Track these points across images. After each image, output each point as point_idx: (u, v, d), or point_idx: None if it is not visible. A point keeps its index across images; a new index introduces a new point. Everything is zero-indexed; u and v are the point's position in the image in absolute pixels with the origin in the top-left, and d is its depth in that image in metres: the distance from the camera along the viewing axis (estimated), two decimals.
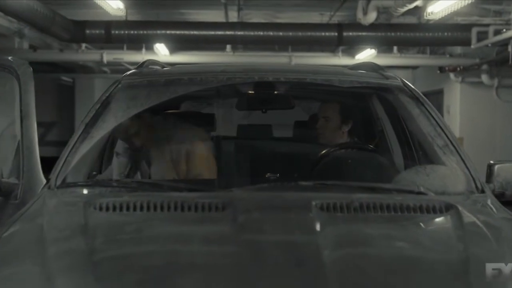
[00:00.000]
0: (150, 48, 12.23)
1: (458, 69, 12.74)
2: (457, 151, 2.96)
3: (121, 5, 10.06)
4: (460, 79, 13.03)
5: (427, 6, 9.25)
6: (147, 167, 3.60)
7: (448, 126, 3.16)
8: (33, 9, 8.72)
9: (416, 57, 13.15)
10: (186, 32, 10.81)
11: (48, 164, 3.14)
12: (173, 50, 12.59)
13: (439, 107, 13.15)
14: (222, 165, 3.58)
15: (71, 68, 16.15)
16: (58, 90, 17.44)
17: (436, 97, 13.77)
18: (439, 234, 2.37)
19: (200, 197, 2.50)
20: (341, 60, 12.58)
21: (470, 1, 8.60)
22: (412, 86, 3.38)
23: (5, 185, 3.06)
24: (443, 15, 9.51)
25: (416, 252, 2.20)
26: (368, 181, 2.87)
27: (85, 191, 2.71)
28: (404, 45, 12.19)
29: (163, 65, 3.75)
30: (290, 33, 10.74)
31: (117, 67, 15.18)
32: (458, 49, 12.57)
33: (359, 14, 9.75)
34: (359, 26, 10.46)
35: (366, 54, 12.46)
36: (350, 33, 10.65)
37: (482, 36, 10.14)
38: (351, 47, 12.51)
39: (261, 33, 10.71)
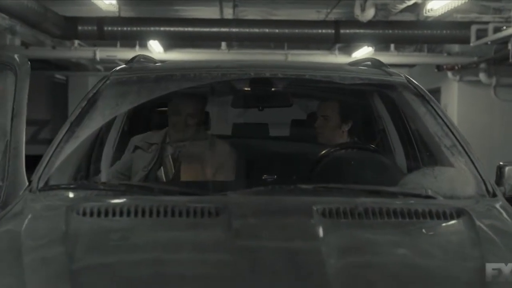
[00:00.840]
0: (143, 45, 12.07)
1: (456, 67, 12.58)
2: (465, 152, 2.80)
3: (113, 1, 9.90)
4: (457, 77, 12.87)
5: (426, 2, 9.10)
6: (174, 164, 3.40)
7: (456, 126, 3.00)
8: (24, 4, 8.54)
9: (414, 55, 13.01)
10: (180, 29, 10.64)
11: None
12: (167, 47, 12.42)
13: None
14: None
15: (64, 65, 15.97)
16: (51, 88, 17.24)
17: (433, 96, 13.53)
18: (452, 242, 2.20)
19: (192, 202, 2.32)
20: (337, 58, 12.42)
21: None
22: (417, 83, 3.21)
23: None
24: (443, 12, 9.36)
25: (427, 263, 2.03)
26: (372, 183, 2.70)
27: (68, 194, 2.54)
28: (402, 43, 12.06)
29: (154, 60, 3.59)
30: (286, 30, 10.58)
31: (111, 65, 14.92)
32: (455, 48, 12.43)
33: (357, 11, 9.60)
34: (356, 23, 10.30)
35: (363, 52, 12.31)
36: (348, 31, 10.49)
37: (481, 34, 9.99)
38: (348, 44, 12.37)
39: (256, 30, 10.55)
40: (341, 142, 3.60)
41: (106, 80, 3.08)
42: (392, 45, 12.34)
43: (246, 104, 4.08)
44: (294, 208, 2.32)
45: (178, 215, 2.19)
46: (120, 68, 3.29)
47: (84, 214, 2.22)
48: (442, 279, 1.92)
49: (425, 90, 3.18)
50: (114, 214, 2.20)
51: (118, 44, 12.35)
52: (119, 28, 10.56)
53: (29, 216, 2.29)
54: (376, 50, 12.39)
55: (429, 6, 9.15)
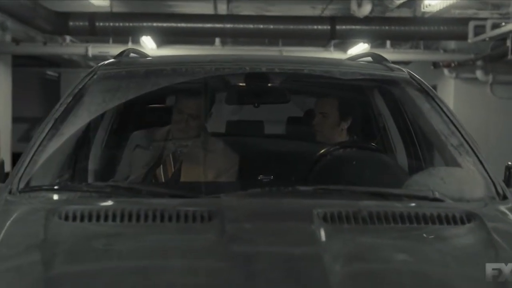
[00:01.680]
0: (136, 42, 11.92)
1: (453, 64, 12.48)
2: (473, 151, 2.64)
3: None
4: (454, 75, 12.78)
5: None
6: (174, 164, 3.25)
7: (462, 124, 2.84)
8: None
9: (410, 52, 12.87)
10: (174, 24, 10.49)
11: None
12: (160, 43, 12.29)
13: None
14: None
15: (56, 62, 15.83)
16: (43, 84, 17.11)
17: None
18: (464, 250, 2.03)
19: (182, 205, 2.16)
20: (333, 54, 12.28)
21: None
22: (421, 79, 3.06)
23: None
24: (440, 8, 9.23)
25: (439, 272, 1.87)
26: (375, 185, 2.53)
27: (50, 196, 2.36)
28: (400, 39, 11.92)
29: (145, 54, 3.42)
30: (281, 26, 10.44)
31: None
32: (452, 44, 12.31)
33: (353, 6, 9.46)
34: (352, 19, 10.16)
35: (359, 49, 12.15)
36: (343, 27, 10.34)
37: (479, 30, 9.86)
38: (344, 41, 12.24)
39: (251, 26, 10.41)
40: (340, 140, 3.45)
41: (93, 75, 2.92)
42: (388, 42, 12.22)
43: (241, 100, 3.91)
44: (293, 212, 2.15)
45: (167, 219, 2.03)
46: (108, 62, 3.13)
47: (65, 218, 2.05)
48: None
49: (429, 86, 3.02)
50: (98, 219, 2.03)
51: (111, 40, 12.21)
52: (111, 24, 10.39)
53: (6, 220, 2.12)
54: (372, 47, 12.25)
55: (426, 1, 9.01)
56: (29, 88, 15.00)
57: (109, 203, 2.23)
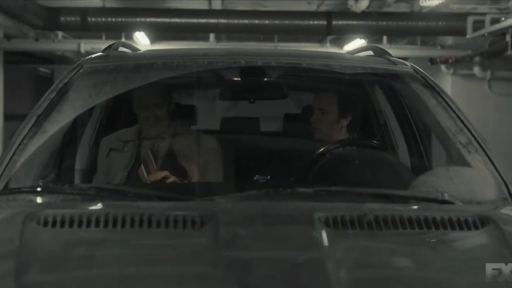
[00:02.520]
0: (129, 37, 11.76)
1: (450, 60, 12.34)
2: (483, 149, 2.47)
3: None
4: (451, 71, 12.64)
5: None
6: (155, 161, 3.09)
7: (471, 120, 2.68)
8: None
9: (406, 48, 12.74)
10: (167, 20, 10.37)
11: None
12: (154, 39, 12.14)
13: None
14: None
15: (49, 58, 15.66)
16: (36, 81, 16.93)
17: None
18: (480, 257, 1.86)
19: (172, 208, 1.99)
20: (329, 50, 12.13)
21: None
22: (425, 73, 2.90)
23: None
24: (438, 3, 9.10)
25: (454, 283, 1.71)
26: (379, 186, 2.36)
27: (30, 199, 2.18)
28: (397, 35, 11.81)
29: (135, 48, 3.27)
30: (276, 22, 10.32)
31: None
32: (449, 40, 12.19)
33: (350, 1, 9.35)
34: (349, 15, 10.05)
35: (356, 45, 12.03)
36: (340, 22, 10.21)
37: (478, 25, 9.73)
38: (340, 37, 12.13)
39: (246, 21, 10.30)
40: (339, 138, 3.30)
41: (79, 69, 2.76)
42: (385, 38, 12.10)
43: (236, 96, 3.75)
44: (292, 217, 1.98)
45: (155, 225, 1.86)
46: (96, 56, 2.97)
47: (44, 223, 1.88)
48: None
49: (434, 81, 2.87)
50: (79, 224, 1.86)
51: (104, 36, 12.08)
52: (104, 19, 10.27)
53: None
54: (368, 42, 12.09)
55: None
56: (21, 85, 14.84)
57: (93, 206, 2.07)
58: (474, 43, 11.45)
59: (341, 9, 10.79)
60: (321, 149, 2.93)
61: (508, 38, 9.35)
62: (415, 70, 2.88)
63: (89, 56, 2.96)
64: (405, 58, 13.88)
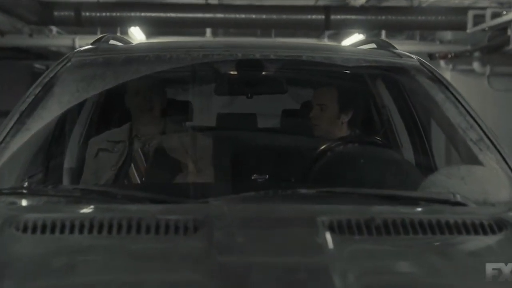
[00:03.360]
0: (125, 32, 11.58)
1: (449, 56, 12.22)
2: (495, 147, 2.33)
3: None
4: (450, 66, 12.55)
5: None
6: (145, 160, 2.97)
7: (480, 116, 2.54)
8: None
9: (405, 43, 12.56)
10: (163, 14, 10.23)
11: None
12: (149, 34, 11.98)
13: None
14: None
15: (44, 54, 15.52)
16: (31, 78, 16.75)
17: None
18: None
19: (163, 212, 1.83)
20: None
21: None
22: (432, 67, 2.76)
23: None
24: None
25: None
26: (386, 186, 2.21)
27: (10, 202, 2.02)
28: (396, 30, 11.69)
29: (127, 41, 3.13)
30: (274, 16, 10.15)
31: None
32: (448, 35, 12.08)
33: None
34: (347, 9, 9.96)
35: (354, 40, 11.88)
36: (338, 16, 10.06)
37: (478, 19, 9.59)
38: (338, 32, 11.99)
39: (243, 16, 10.14)
40: (340, 135, 3.16)
41: (66, 62, 2.62)
42: (383, 33, 11.97)
43: (232, 90, 3.59)
44: (293, 221, 1.83)
45: (144, 231, 1.70)
46: (84, 49, 2.83)
47: (24, 229, 1.72)
48: None
49: (442, 75, 2.72)
50: (62, 230, 1.70)
51: (98, 32, 11.89)
52: (98, 14, 10.14)
53: None
54: (367, 37, 12.01)
55: None
56: (16, 82, 14.71)
57: (77, 210, 1.91)
58: (474, 38, 11.34)
59: (340, 4, 10.71)
60: (323, 147, 2.78)
61: (509, 32, 9.21)
62: (421, 63, 2.75)
63: (78, 49, 2.82)
64: None
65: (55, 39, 12.16)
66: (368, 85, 3.46)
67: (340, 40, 12.61)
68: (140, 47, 3.09)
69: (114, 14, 10.23)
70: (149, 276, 1.57)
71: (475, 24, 9.64)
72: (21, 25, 11.49)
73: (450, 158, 2.82)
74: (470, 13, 9.64)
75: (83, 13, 10.09)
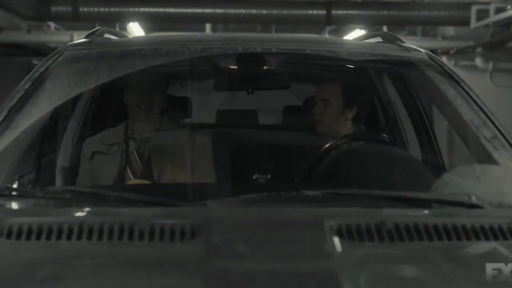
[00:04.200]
0: (123, 28, 11.48)
1: (451, 52, 12.12)
2: (510, 145, 2.21)
3: None
4: (453, 62, 12.42)
5: None
6: (140, 161, 2.86)
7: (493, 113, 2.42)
8: None
9: (407, 39, 12.33)
10: (162, 9, 10.08)
11: None
12: (148, 30, 11.88)
13: None
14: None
15: (42, 51, 15.40)
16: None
17: None
18: None
19: (159, 216, 1.71)
20: None
21: None
22: (442, 61, 2.64)
23: None
24: None
25: None
26: (396, 187, 2.09)
27: None
28: (398, 25, 11.58)
29: (122, 34, 3.01)
30: (274, 11, 10.04)
31: None
32: (450, 31, 11.98)
33: None
34: (349, 4, 9.84)
35: (355, 35, 11.78)
36: (340, 12, 9.95)
37: (482, 15, 9.45)
38: (339, 27, 11.90)
39: (242, 11, 10.02)
40: (344, 132, 3.05)
41: (58, 56, 2.50)
42: (385, 28, 11.86)
43: (233, 86, 3.47)
44: (299, 225, 1.70)
45: (137, 237, 1.58)
46: (77, 42, 2.72)
47: (8, 235, 1.60)
48: None
49: (452, 69, 2.60)
50: (49, 236, 1.58)
51: (97, 27, 11.80)
52: (96, 9, 10.00)
53: None
54: (372, 31, 11.93)
55: None
56: (14, 78, 14.59)
57: (67, 214, 1.79)
58: (476, 33, 11.24)
59: None
60: (327, 145, 2.66)
61: None
62: (431, 57, 2.63)
63: (70, 43, 2.70)
64: None
65: (53, 35, 12.05)
66: (374, 80, 3.35)
67: (341, 36, 12.51)
68: (136, 40, 2.99)
69: (112, 9, 10.10)
70: (142, 287, 1.45)
71: (479, 19, 9.51)
72: (18, 21, 11.40)
73: (452, 156, 2.72)
74: (474, 8, 9.51)
75: (80, 8, 9.96)
